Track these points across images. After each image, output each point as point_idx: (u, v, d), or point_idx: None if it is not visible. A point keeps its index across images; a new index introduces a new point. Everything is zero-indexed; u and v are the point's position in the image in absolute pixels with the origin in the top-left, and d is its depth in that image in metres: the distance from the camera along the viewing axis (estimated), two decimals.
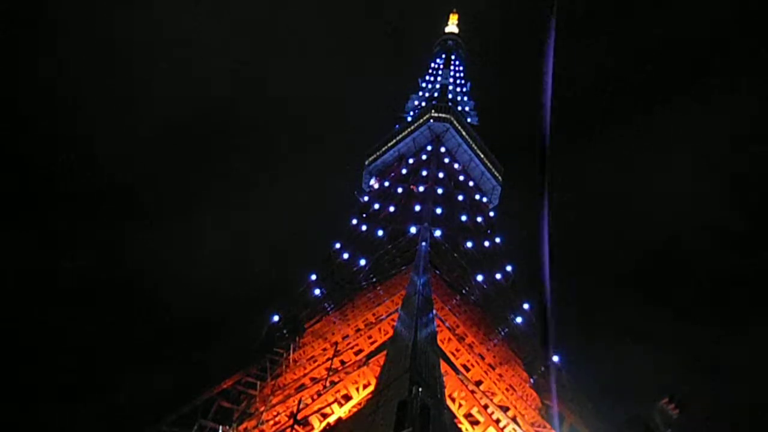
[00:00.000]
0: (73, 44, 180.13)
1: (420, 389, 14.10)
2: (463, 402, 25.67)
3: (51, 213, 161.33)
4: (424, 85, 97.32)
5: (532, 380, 37.89)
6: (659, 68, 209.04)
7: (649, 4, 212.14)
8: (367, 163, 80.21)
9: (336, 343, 35.62)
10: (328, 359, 32.80)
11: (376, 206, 65.82)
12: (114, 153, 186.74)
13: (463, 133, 78.19)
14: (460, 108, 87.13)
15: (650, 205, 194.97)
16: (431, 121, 77.48)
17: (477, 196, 74.16)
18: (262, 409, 30.71)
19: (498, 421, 27.53)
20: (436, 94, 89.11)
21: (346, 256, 55.08)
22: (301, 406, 26.07)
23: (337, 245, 57.93)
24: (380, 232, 57.70)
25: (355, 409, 25.94)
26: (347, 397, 27.50)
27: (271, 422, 28.77)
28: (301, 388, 32.02)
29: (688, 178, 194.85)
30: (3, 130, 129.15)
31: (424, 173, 69.23)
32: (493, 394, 32.43)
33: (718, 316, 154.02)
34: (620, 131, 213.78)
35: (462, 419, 25.70)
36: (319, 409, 26.99)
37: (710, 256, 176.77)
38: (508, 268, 58.22)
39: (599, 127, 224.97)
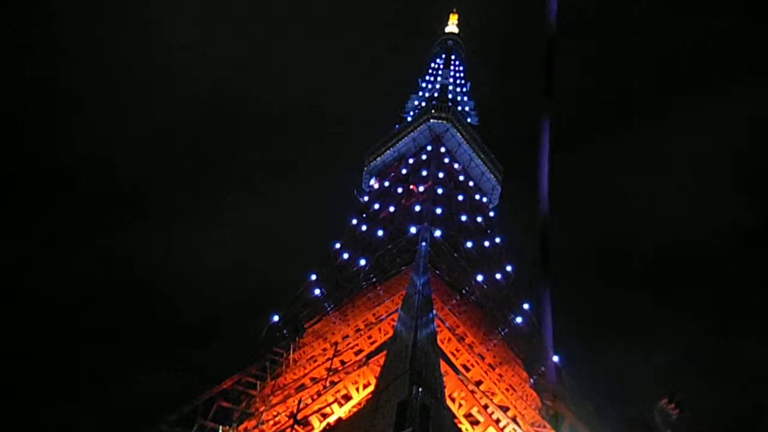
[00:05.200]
0: (73, 44, 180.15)
1: (420, 389, 14.10)
2: (463, 402, 25.68)
3: (52, 214, 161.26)
4: (424, 85, 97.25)
5: (532, 380, 37.87)
6: (662, 66, 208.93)
7: (651, 4, 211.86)
8: (367, 163, 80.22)
9: (336, 343, 35.62)
10: (328, 359, 32.81)
11: (376, 206, 65.76)
12: (114, 153, 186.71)
13: (463, 133, 78.15)
14: (460, 108, 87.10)
15: (653, 205, 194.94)
16: (431, 121, 77.40)
17: (477, 196, 74.11)
18: (262, 409, 30.72)
19: (498, 421, 27.56)
20: (436, 94, 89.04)
21: (346, 256, 54.99)
22: (301, 406, 26.11)
23: (337, 245, 57.87)
24: (380, 232, 57.56)
25: (355, 409, 25.97)
26: (347, 397, 27.55)
27: (271, 422, 28.80)
28: (301, 388, 32.04)
29: (694, 176, 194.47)
30: (3, 130, 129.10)
31: (424, 173, 69.11)
32: (493, 394, 32.43)
33: (720, 316, 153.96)
34: (622, 132, 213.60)
35: (462, 419, 25.73)
36: (319, 409, 27.04)
37: (710, 255, 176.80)
38: (508, 268, 58.13)
39: (599, 128, 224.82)
